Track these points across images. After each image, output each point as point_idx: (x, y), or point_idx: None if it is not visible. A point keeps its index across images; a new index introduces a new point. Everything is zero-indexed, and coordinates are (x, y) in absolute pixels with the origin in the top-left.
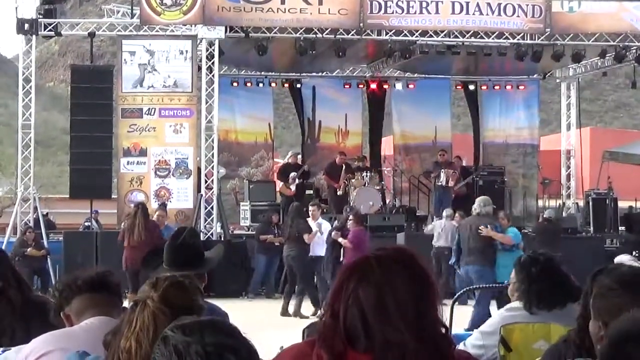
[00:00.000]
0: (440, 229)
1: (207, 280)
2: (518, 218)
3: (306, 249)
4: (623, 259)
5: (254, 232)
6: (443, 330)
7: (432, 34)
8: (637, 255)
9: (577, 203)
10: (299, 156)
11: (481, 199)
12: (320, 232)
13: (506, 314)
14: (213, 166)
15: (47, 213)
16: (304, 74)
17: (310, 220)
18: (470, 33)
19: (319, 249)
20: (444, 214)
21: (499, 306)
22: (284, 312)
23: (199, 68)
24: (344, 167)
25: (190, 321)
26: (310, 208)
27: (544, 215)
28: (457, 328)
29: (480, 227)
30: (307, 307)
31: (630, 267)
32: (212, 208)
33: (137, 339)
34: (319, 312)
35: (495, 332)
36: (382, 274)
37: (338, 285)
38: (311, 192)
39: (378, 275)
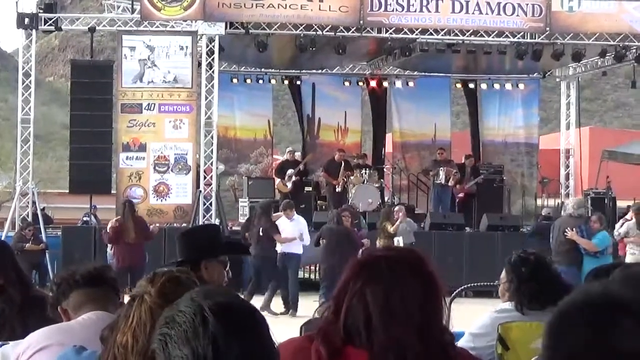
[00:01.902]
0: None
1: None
2: (517, 217)
3: (273, 248)
4: None
5: None
6: (447, 336)
7: (432, 32)
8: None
9: None
10: (297, 153)
11: (575, 200)
12: (300, 232)
13: (497, 315)
14: (212, 162)
15: (44, 207)
16: (303, 70)
17: (284, 219)
18: (470, 32)
19: (294, 247)
20: None
21: None
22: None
23: (199, 64)
24: (343, 164)
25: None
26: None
27: (544, 214)
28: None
29: (566, 229)
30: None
31: None
32: (210, 204)
33: (134, 334)
34: (290, 311)
35: (486, 334)
36: (391, 275)
37: (345, 282)
38: (310, 189)
39: (387, 276)
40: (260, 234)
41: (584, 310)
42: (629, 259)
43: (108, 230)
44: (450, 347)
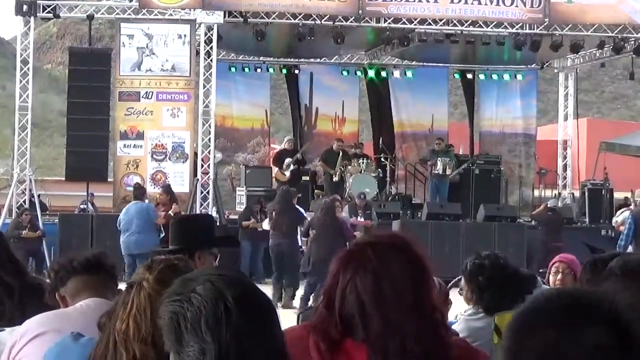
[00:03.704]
0: None
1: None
2: (514, 208)
3: (297, 240)
4: None
5: None
6: (440, 317)
7: (431, 22)
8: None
9: (572, 193)
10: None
11: None
12: None
13: (468, 318)
14: (210, 151)
15: (40, 195)
16: (302, 60)
17: None
18: (468, 22)
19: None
20: None
21: None
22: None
23: (197, 52)
24: (340, 153)
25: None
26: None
27: (549, 205)
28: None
29: None
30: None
31: None
32: (208, 192)
33: (135, 320)
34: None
35: (466, 337)
36: (378, 260)
37: (334, 274)
38: (307, 178)
39: (375, 262)
40: (288, 223)
41: (548, 312)
42: None
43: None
44: (441, 327)
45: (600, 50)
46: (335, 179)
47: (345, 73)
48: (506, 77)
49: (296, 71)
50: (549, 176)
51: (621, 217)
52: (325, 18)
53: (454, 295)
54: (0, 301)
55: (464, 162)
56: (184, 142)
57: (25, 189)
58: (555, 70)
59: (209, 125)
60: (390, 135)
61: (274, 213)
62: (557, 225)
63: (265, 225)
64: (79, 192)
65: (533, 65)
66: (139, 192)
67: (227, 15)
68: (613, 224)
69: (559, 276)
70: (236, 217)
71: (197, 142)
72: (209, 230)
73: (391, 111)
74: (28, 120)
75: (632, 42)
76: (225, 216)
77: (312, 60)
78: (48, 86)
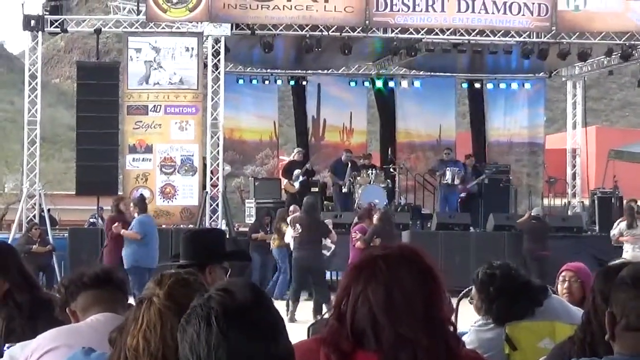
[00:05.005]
0: None
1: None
2: (522, 217)
3: (322, 251)
4: None
5: None
6: (451, 328)
7: (438, 32)
8: None
9: (582, 202)
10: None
11: None
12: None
13: (479, 329)
14: (218, 163)
15: (49, 209)
16: (309, 71)
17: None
18: (475, 31)
19: None
20: None
21: None
22: (292, 319)
23: (205, 65)
24: (349, 164)
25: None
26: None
27: (532, 213)
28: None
29: None
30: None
31: None
32: (217, 205)
33: (145, 336)
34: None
35: (476, 349)
36: (389, 272)
37: (345, 286)
38: (316, 189)
39: (386, 274)
40: (313, 234)
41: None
42: (624, 256)
43: None
44: (453, 339)
45: (607, 58)
46: (344, 190)
47: (352, 84)
48: (514, 86)
49: (304, 83)
50: (558, 185)
51: (617, 230)
52: (333, 29)
53: (465, 305)
54: (11, 316)
55: (481, 173)
56: (192, 155)
57: (35, 204)
58: (563, 79)
59: (218, 138)
60: (393, 145)
61: (298, 225)
62: (542, 234)
63: (288, 237)
64: (88, 206)
65: (541, 74)
66: (145, 205)
67: (234, 27)
68: (611, 237)
69: (566, 284)
70: (246, 229)
71: (206, 154)
72: (220, 244)
73: (395, 121)
74: (37, 134)
75: None
76: (235, 229)
77: (319, 71)
78: (56, 100)
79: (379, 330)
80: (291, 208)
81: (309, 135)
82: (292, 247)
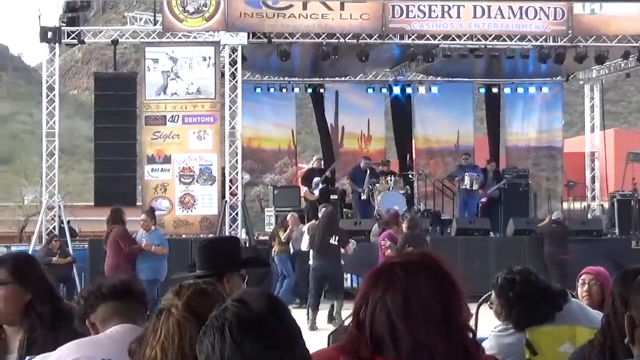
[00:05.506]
0: None
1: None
2: (542, 221)
3: (340, 260)
4: None
5: None
6: (470, 335)
7: (455, 37)
8: None
9: (602, 205)
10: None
11: None
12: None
13: (499, 334)
14: (237, 172)
15: (69, 221)
16: (327, 78)
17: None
18: (492, 36)
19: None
20: None
21: None
22: (313, 327)
23: (222, 74)
24: (368, 171)
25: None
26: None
27: (552, 217)
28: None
29: None
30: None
31: None
32: (236, 214)
33: (163, 347)
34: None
35: (497, 354)
36: (407, 279)
37: (363, 293)
38: (336, 197)
39: (404, 281)
40: (333, 243)
41: None
42: None
43: None
44: (472, 345)
45: (625, 61)
46: (363, 197)
47: (370, 91)
48: (532, 90)
49: (321, 90)
50: (577, 188)
51: None
52: (349, 36)
53: (485, 310)
54: (32, 327)
55: (502, 178)
56: (211, 165)
57: (54, 216)
58: (581, 82)
59: (236, 147)
60: (411, 151)
61: (316, 235)
62: (563, 238)
63: (304, 245)
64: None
65: (558, 78)
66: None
67: (250, 36)
68: None
69: (585, 287)
70: (266, 238)
71: (225, 164)
72: (236, 252)
73: (412, 128)
74: (55, 146)
75: None
76: (255, 237)
77: (337, 78)
78: (75, 112)
79: (397, 337)
80: (288, 216)
81: (327, 143)
82: (310, 255)
